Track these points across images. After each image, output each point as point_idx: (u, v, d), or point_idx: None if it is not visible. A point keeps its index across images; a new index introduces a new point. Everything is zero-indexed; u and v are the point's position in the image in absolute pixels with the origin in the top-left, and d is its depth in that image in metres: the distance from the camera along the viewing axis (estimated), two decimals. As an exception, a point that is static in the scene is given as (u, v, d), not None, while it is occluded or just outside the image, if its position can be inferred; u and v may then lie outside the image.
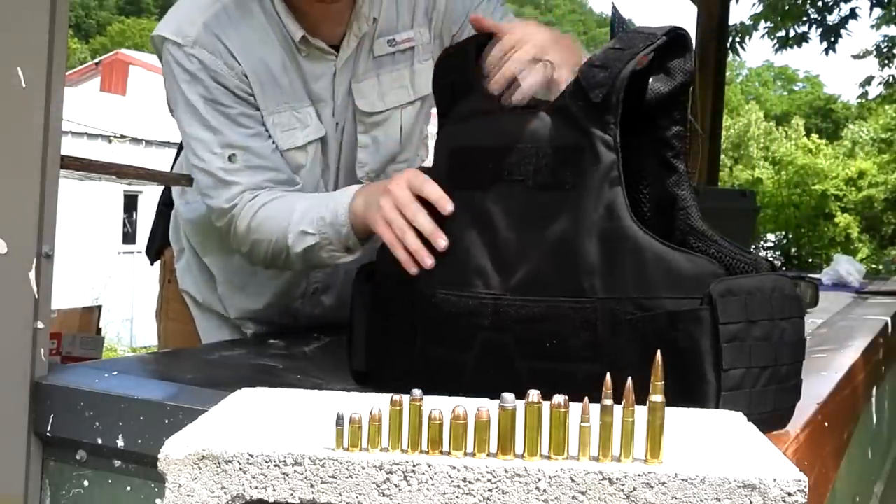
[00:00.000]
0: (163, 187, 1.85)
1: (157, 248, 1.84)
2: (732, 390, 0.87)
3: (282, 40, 1.41)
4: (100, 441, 1.03)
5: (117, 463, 1.03)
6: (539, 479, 0.61)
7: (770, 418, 0.88)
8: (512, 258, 0.99)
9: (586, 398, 0.64)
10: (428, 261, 1.05)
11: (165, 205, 1.81)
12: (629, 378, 0.63)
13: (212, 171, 1.38)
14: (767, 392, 0.89)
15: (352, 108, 1.49)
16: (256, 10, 1.40)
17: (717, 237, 0.97)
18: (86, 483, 1.06)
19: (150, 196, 12.30)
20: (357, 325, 1.16)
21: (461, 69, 1.11)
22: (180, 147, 1.81)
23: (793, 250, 20.19)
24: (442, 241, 1.04)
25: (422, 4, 1.50)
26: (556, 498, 0.61)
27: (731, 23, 6.28)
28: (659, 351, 0.65)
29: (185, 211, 1.65)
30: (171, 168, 1.79)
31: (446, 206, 1.05)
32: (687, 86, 0.99)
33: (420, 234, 1.06)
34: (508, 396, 0.62)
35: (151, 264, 1.89)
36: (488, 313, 0.99)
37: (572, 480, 0.60)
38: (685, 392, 0.85)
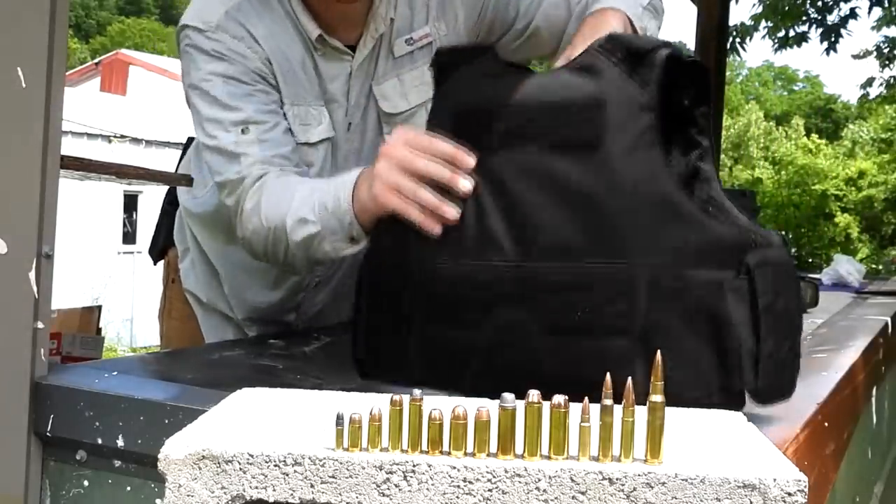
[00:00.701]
0: (166, 187, 1.85)
1: (161, 248, 1.84)
2: (768, 359, 0.86)
3: (300, 37, 1.41)
4: (100, 441, 1.03)
5: (117, 463, 1.03)
6: (539, 479, 0.61)
7: (788, 388, 0.88)
8: (531, 222, 0.91)
9: (586, 398, 0.64)
10: (453, 212, 0.95)
11: (170, 204, 1.81)
12: (629, 380, 0.64)
13: (223, 147, 1.34)
14: (787, 362, 0.88)
15: (375, 110, 1.48)
16: (276, 4, 1.40)
17: (734, 210, 0.93)
18: (86, 483, 1.06)
19: (150, 196, 12.31)
20: (359, 311, 1.08)
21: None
22: (185, 148, 1.82)
23: (793, 250, 20.19)
24: (467, 184, 0.94)
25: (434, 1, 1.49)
26: (556, 498, 0.61)
27: (731, 23, 6.28)
28: (659, 351, 0.65)
29: (192, 206, 1.64)
30: (176, 168, 1.79)
31: (465, 161, 0.96)
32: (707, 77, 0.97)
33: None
34: (508, 396, 0.62)
35: (154, 264, 1.89)
36: (506, 283, 0.90)
37: (572, 480, 0.60)
38: (723, 366, 0.84)
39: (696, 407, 0.80)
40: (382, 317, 1.02)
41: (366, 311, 1.05)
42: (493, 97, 0.97)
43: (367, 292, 1.05)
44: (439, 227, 0.96)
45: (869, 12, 8.39)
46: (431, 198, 0.97)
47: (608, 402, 0.62)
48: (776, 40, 8.66)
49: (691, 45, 4.74)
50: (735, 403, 0.85)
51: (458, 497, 0.61)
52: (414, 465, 0.62)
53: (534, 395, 0.62)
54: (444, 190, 0.98)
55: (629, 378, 0.63)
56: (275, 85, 1.39)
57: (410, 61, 1.49)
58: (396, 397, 0.64)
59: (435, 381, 0.91)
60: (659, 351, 0.65)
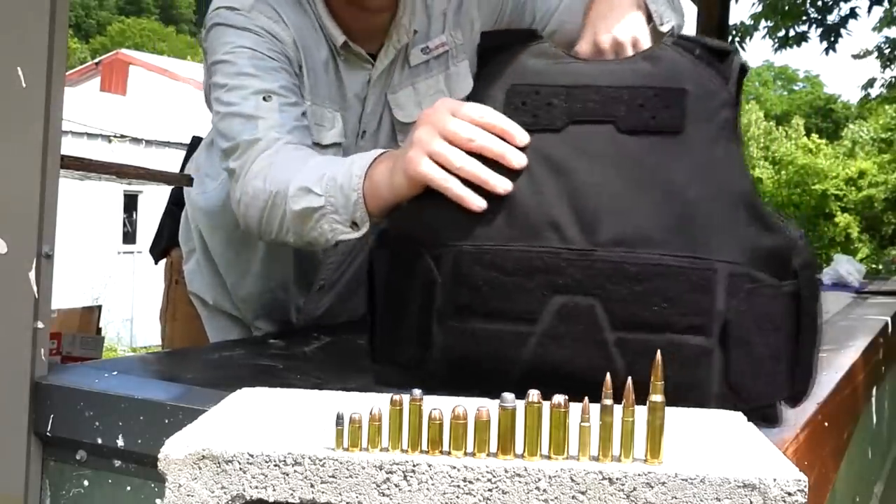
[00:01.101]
0: (167, 187, 1.85)
1: (163, 248, 1.84)
2: (805, 363, 0.86)
3: (325, 41, 1.41)
4: (100, 441, 1.02)
5: (117, 463, 1.03)
6: (539, 479, 0.61)
7: (810, 389, 0.88)
8: (600, 207, 0.84)
9: (586, 398, 0.64)
10: (505, 184, 0.86)
11: (175, 205, 1.81)
12: (629, 380, 0.63)
13: (241, 111, 1.28)
14: (815, 364, 0.88)
15: (389, 118, 1.48)
16: (306, 6, 1.40)
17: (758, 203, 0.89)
18: (86, 483, 1.06)
19: (150, 196, 12.30)
20: (373, 306, 0.98)
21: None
22: (189, 148, 1.82)
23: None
24: (520, 160, 0.87)
25: (452, 7, 1.49)
26: (556, 498, 0.61)
27: (731, 22, 6.28)
28: (659, 351, 0.65)
29: (200, 200, 1.62)
30: (182, 167, 1.79)
31: (519, 136, 0.88)
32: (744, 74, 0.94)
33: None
34: (508, 396, 0.62)
35: (156, 263, 1.89)
36: (570, 271, 0.82)
37: (572, 480, 0.60)
38: (778, 372, 0.84)
39: (761, 416, 0.81)
40: (401, 311, 0.93)
41: (381, 306, 0.97)
42: (553, 76, 0.90)
43: (383, 283, 0.97)
44: (484, 203, 0.87)
45: (869, 12, 8.39)
46: (479, 168, 0.88)
47: (608, 402, 0.62)
48: (776, 40, 8.67)
49: (691, 44, 4.74)
50: (779, 416, 0.86)
51: (458, 497, 0.61)
52: (414, 465, 0.62)
53: (534, 394, 0.62)
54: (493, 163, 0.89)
55: (629, 379, 0.63)
56: (299, 74, 1.38)
57: (426, 70, 1.49)
58: (396, 397, 0.64)
59: (464, 382, 0.83)
60: (659, 352, 0.65)
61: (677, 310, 0.80)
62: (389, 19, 1.42)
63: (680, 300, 0.80)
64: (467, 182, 0.89)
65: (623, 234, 0.82)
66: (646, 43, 1.10)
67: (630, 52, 1.08)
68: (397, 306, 0.94)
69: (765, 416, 0.84)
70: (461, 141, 0.90)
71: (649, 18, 1.18)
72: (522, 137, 0.88)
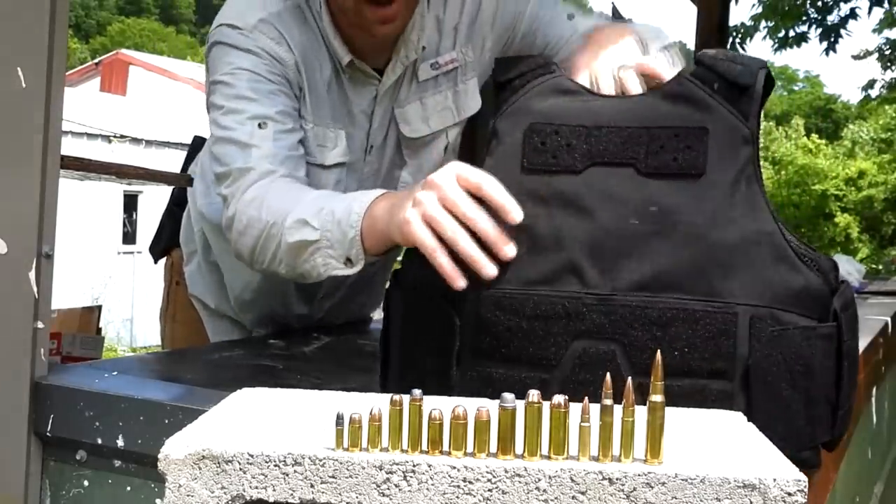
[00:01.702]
0: (167, 187, 1.85)
1: (163, 247, 1.83)
2: (843, 408, 0.84)
3: (329, 59, 1.39)
4: (100, 441, 1.03)
5: (117, 463, 1.03)
6: (539, 479, 0.61)
7: (847, 428, 0.87)
8: (620, 251, 0.83)
9: (586, 398, 0.64)
10: (492, 270, 0.86)
11: (176, 205, 1.80)
12: (629, 380, 0.63)
13: (236, 138, 1.29)
14: (852, 405, 0.86)
15: (395, 133, 1.47)
16: (311, 22, 1.38)
17: (785, 231, 0.86)
18: (86, 483, 1.06)
19: (150, 196, 12.31)
20: (387, 345, 0.97)
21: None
22: (190, 149, 1.81)
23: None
24: (510, 250, 0.86)
25: (465, 23, 1.46)
26: (556, 498, 0.61)
27: (731, 23, 6.28)
28: (659, 351, 0.65)
29: (208, 210, 1.61)
30: (183, 167, 1.79)
31: (515, 215, 0.86)
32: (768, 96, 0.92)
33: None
34: (508, 396, 0.62)
35: (155, 262, 1.89)
36: (591, 316, 0.82)
37: (572, 480, 0.60)
38: (810, 419, 0.82)
39: (799, 460, 0.79)
40: (418, 353, 0.92)
41: (398, 345, 0.95)
42: (572, 115, 0.89)
43: (400, 323, 0.95)
44: (464, 282, 0.86)
45: (869, 13, 8.40)
46: (469, 247, 0.87)
47: (608, 402, 0.62)
48: (776, 40, 8.67)
49: (691, 45, 4.74)
50: (818, 460, 0.84)
51: (458, 497, 0.61)
52: (414, 465, 0.62)
53: (534, 395, 0.62)
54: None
55: (629, 379, 0.63)
56: (299, 96, 1.37)
57: (434, 86, 1.47)
58: (396, 397, 0.64)
59: None
60: (659, 352, 0.65)
61: (698, 354, 0.80)
62: (397, 34, 1.40)
63: (701, 345, 0.80)
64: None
65: (643, 278, 0.82)
66: (651, 68, 1.00)
67: (637, 84, 0.98)
68: (413, 348, 0.93)
69: (803, 460, 0.80)
70: (459, 213, 0.89)
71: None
72: (517, 215, 0.86)
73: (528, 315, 0.84)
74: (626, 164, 0.86)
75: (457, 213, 0.89)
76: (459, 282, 0.87)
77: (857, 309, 0.87)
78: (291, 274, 1.22)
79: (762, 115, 0.93)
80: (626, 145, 0.86)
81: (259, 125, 1.28)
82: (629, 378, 0.75)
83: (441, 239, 0.89)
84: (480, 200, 0.89)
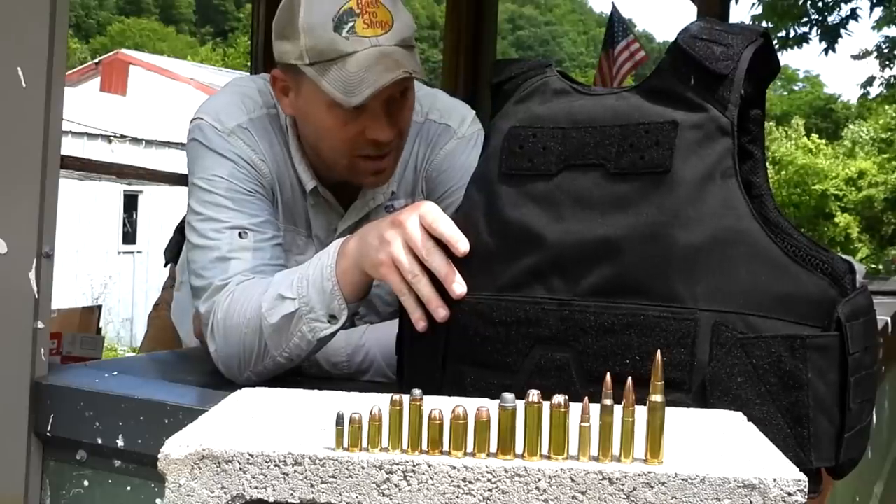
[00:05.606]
0: (167, 187, 1.84)
1: (175, 254, 1.83)
2: (852, 430, 0.77)
3: (297, 179, 1.38)
4: (100, 441, 1.03)
5: (117, 463, 1.03)
6: (539, 479, 0.61)
7: (863, 453, 0.80)
8: (583, 256, 0.81)
9: (586, 398, 0.64)
10: (442, 312, 0.91)
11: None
12: (629, 380, 0.63)
13: (216, 248, 1.27)
14: (866, 427, 0.79)
15: None
16: (277, 146, 1.37)
17: (791, 229, 0.82)
18: (86, 483, 1.06)
19: (150, 196, 12.31)
20: (401, 341, 1.01)
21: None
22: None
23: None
24: (458, 288, 0.90)
25: (421, 177, 1.44)
26: (556, 498, 0.61)
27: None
28: (659, 351, 0.65)
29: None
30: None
31: (460, 247, 0.91)
32: (774, 75, 0.88)
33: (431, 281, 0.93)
34: (508, 396, 0.62)
35: (165, 266, 1.88)
36: (549, 323, 0.81)
37: (572, 480, 0.60)
38: (795, 438, 0.76)
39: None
40: (421, 349, 0.96)
41: (408, 341, 0.99)
42: (552, 116, 0.88)
43: (409, 326, 0.98)
44: (424, 324, 0.92)
45: (870, 13, 8.40)
46: (426, 290, 0.93)
47: (608, 402, 0.62)
48: (776, 40, 8.67)
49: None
50: (815, 486, 0.76)
51: (458, 497, 0.61)
52: (414, 465, 0.62)
53: (534, 394, 0.62)
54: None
55: (629, 379, 0.63)
56: (273, 202, 1.36)
57: None
58: (396, 397, 0.64)
59: None
60: (659, 352, 0.65)
61: (652, 363, 0.78)
62: (386, 183, 1.38)
63: (654, 353, 0.77)
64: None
65: (602, 283, 0.79)
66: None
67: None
68: (418, 347, 0.97)
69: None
70: (418, 252, 0.95)
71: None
72: (462, 246, 0.91)
73: (495, 321, 0.85)
74: (597, 165, 0.84)
75: (417, 253, 0.95)
76: (421, 324, 0.93)
77: (874, 318, 0.79)
78: (282, 360, 1.19)
79: (766, 104, 0.88)
80: (598, 146, 0.84)
81: (239, 234, 1.28)
82: (579, 388, 0.76)
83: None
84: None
